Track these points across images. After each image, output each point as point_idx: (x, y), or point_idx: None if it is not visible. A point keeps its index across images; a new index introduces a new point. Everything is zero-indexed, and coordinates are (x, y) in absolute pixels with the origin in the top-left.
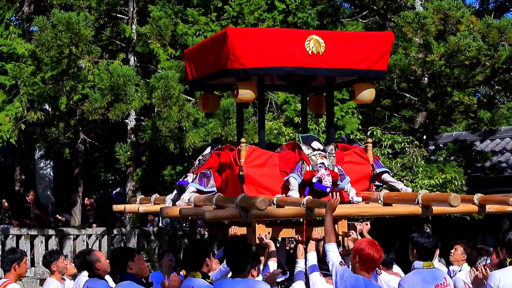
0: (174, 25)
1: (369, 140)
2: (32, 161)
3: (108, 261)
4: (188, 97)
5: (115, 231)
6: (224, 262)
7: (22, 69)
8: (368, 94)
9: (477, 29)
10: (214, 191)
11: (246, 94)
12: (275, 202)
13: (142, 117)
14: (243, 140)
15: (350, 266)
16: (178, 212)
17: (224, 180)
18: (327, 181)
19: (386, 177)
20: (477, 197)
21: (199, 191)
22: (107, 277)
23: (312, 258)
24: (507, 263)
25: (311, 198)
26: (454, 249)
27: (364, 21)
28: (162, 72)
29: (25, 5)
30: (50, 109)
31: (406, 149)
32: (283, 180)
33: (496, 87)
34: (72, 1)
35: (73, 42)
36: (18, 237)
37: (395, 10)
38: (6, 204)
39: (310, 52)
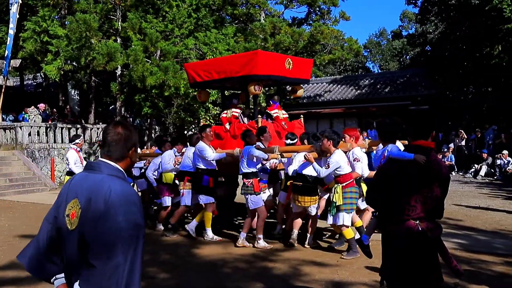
0: (140, 23)
1: (302, 117)
2: (67, 90)
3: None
4: (148, 60)
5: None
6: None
7: (61, 43)
8: (301, 92)
9: (289, 32)
10: None
11: (257, 90)
12: None
13: (124, 70)
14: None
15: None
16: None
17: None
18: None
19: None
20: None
21: None
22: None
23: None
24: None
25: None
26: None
27: (236, 25)
28: (134, 47)
29: (62, 10)
30: (76, 64)
31: None
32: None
33: None
34: (87, 8)
35: (87, 30)
36: (61, 127)
37: (251, 20)
38: (66, 110)
39: (286, 68)
